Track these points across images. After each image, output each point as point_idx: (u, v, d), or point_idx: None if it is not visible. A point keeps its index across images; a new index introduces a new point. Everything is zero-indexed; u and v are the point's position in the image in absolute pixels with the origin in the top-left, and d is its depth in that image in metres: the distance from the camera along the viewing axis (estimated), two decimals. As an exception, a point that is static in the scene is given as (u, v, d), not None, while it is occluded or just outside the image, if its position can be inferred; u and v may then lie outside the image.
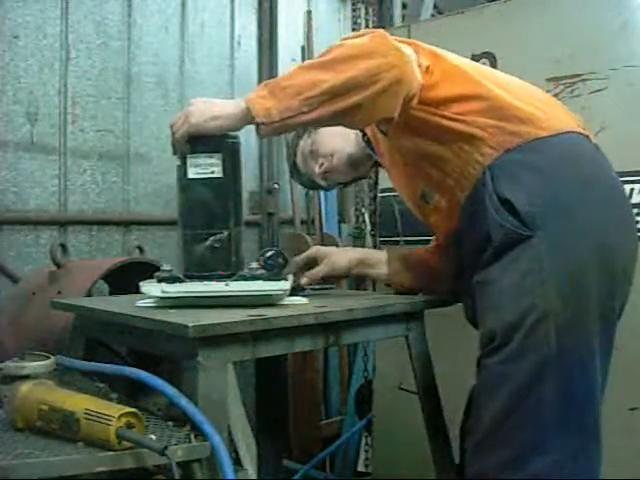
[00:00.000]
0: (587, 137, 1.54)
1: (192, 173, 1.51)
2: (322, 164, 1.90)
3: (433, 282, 1.79)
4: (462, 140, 1.50)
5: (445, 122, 1.50)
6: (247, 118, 1.41)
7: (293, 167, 2.04)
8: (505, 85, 1.56)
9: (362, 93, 1.38)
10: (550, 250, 1.37)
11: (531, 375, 1.37)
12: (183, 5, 3.39)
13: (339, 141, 1.90)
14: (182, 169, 1.53)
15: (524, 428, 1.37)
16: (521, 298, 1.38)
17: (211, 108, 1.44)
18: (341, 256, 1.78)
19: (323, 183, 1.97)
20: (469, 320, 1.64)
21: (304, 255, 1.82)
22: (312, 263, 1.79)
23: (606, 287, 1.42)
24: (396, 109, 1.45)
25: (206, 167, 1.51)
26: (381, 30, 1.51)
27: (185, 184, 1.53)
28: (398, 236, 2.51)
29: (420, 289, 1.80)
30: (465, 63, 1.62)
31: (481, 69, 1.65)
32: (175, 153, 1.53)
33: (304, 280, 1.75)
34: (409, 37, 2.54)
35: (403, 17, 3.56)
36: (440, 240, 1.79)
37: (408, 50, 1.49)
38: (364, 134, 1.86)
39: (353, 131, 1.87)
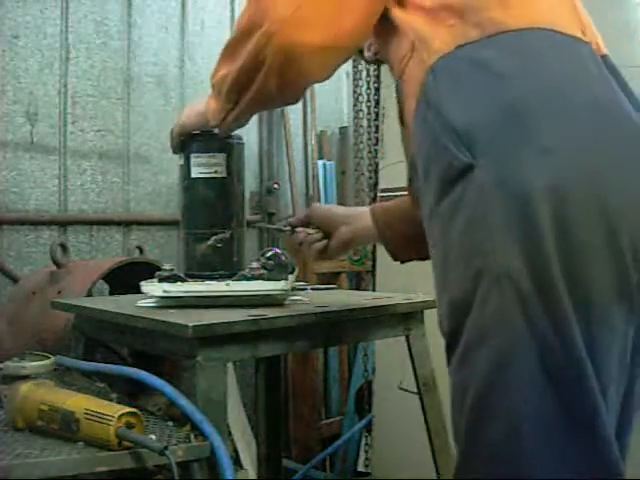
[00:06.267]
0: (587, 44, 1.09)
1: (195, 172, 1.52)
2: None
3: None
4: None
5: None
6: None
7: None
8: None
9: (257, 79, 1.16)
10: (498, 184, 0.91)
11: (489, 377, 0.93)
12: (183, 5, 3.38)
13: None
14: (185, 168, 1.53)
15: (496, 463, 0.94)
16: (468, 261, 0.94)
17: (198, 106, 1.47)
18: (347, 234, 1.55)
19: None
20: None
21: (303, 217, 1.62)
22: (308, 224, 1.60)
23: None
24: (318, 68, 1.13)
25: (210, 167, 1.51)
26: None
27: (188, 183, 1.53)
28: (398, 236, 2.51)
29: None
30: None
31: None
32: (175, 152, 1.54)
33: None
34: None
35: (403, 17, 3.56)
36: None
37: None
38: None
39: None
